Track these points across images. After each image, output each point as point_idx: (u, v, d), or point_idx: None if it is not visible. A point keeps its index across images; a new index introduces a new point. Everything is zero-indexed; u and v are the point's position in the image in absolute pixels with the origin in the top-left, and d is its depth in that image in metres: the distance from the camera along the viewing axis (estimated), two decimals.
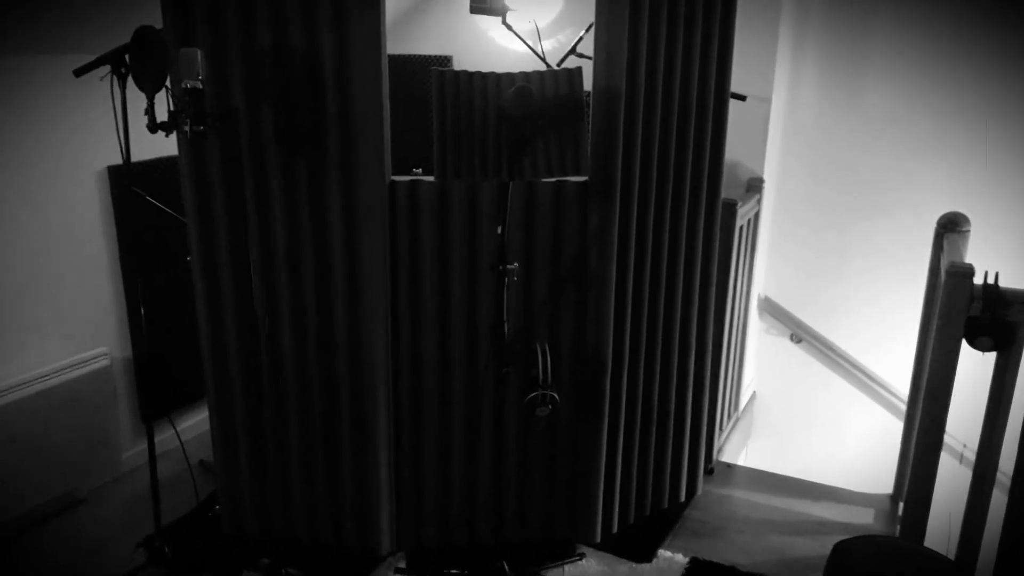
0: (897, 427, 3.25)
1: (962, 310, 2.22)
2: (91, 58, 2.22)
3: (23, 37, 2.68)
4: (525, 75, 2.26)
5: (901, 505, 2.97)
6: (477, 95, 2.20)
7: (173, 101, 2.18)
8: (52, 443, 2.83)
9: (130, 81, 2.19)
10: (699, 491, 3.04)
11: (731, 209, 2.98)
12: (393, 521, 2.62)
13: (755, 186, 3.57)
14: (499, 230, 2.18)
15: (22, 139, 2.72)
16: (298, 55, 2.22)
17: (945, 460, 2.43)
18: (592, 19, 2.30)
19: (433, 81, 2.30)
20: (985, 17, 3.42)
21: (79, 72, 2.23)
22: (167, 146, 2.34)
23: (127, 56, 2.18)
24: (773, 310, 4.06)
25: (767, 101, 3.50)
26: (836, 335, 3.99)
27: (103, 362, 2.98)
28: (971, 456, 2.40)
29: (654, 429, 2.77)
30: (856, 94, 3.69)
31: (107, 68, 2.19)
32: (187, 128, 2.09)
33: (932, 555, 2.06)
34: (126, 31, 2.16)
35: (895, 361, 3.76)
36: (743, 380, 3.75)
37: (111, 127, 2.23)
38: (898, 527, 2.86)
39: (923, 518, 2.47)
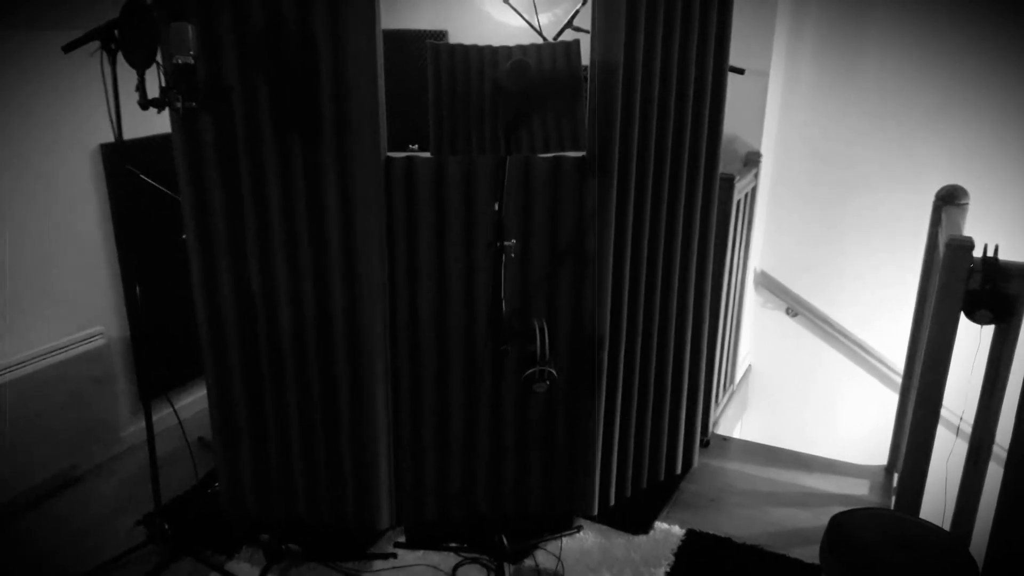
0: (892, 399, 3.27)
1: (961, 283, 2.22)
2: (80, 33, 2.18)
3: (9, 13, 2.63)
4: (522, 49, 2.24)
5: (896, 477, 3.00)
6: (473, 69, 2.17)
7: (164, 77, 2.15)
8: (50, 422, 2.82)
9: (120, 57, 2.16)
10: (695, 464, 3.06)
11: (729, 183, 2.97)
12: (392, 496, 2.63)
13: (753, 160, 3.55)
14: (496, 206, 2.16)
15: (12, 118, 2.68)
16: (292, 29, 2.19)
17: (941, 432, 2.44)
18: None
19: (428, 55, 2.27)
20: None
21: (68, 48, 2.19)
22: (161, 123, 2.31)
23: (117, 31, 2.14)
24: (769, 284, 4.07)
25: (765, 75, 3.48)
26: (832, 308, 4.00)
27: (100, 341, 2.98)
28: (967, 429, 2.41)
29: (651, 403, 2.78)
30: (854, 67, 3.67)
31: (96, 44, 2.15)
32: (179, 104, 2.07)
33: (929, 527, 2.08)
34: (115, 5, 2.12)
35: (891, 334, 3.77)
36: (739, 353, 3.76)
37: (102, 104, 2.20)
38: (893, 499, 2.88)
39: (919, 490, 2.49)
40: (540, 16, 3.54)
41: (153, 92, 2.11)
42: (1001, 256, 2.20)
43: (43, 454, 2.83)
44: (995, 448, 2.37)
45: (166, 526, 2.57)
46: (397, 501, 2.65)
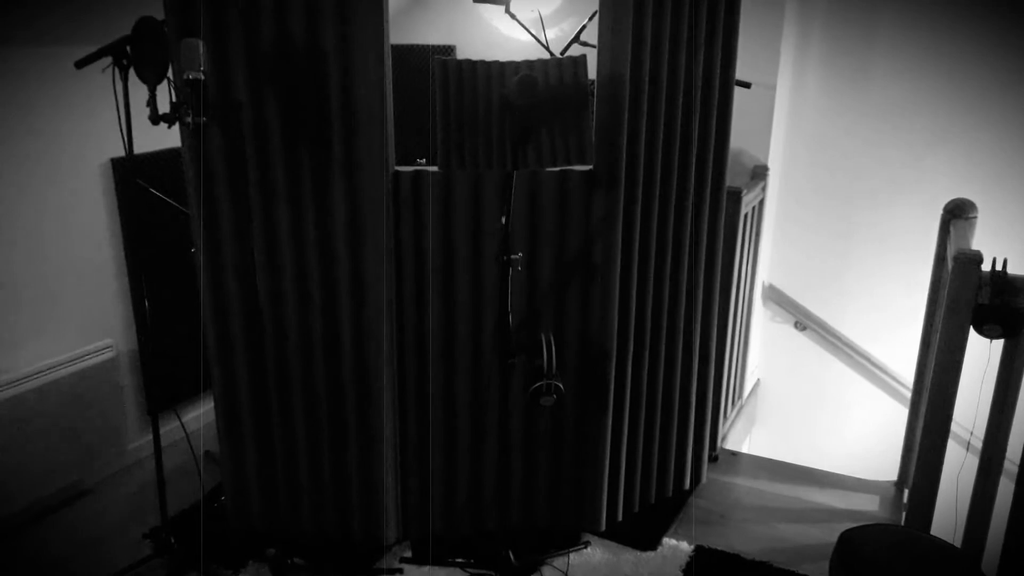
0: (901, 414, 3.25)
1: (970, 297, 2.21)
2: (92, 49, 2.20)
3: (24, 29, 2.66)
4: (529, 64, 2.25)
5: (907, 492, 2.97)
6: (481, 84, 2.18)
7: (175, 92, 2.17)
8: (58, 435, 2.83)
9: (132, 73, 2.18)
10: (703, 479, 3.04)
11: (736, 197, 2.97)
12: (398, 511, 2.63)
13: (760, 173, 3.55)
14: (503, 220, 2.17)
15: (25, 132, 2.71)
16: (301, 45, 2.21)
17: (951, 447, 2.42)
18: (596, 7, 2.28)
19: (436, 71, 2.28)
20: (991, 3, 3.39)
21: (80, 64, 2.22)
22: (171, 137, 2.33)
23: (128, 47, 2.16)
24: (777, 298, 4.06)
25: (772, 88, 3.48)
26: (840, 322, 3.99)
27: (108, 354, 2.99)
28: (978, 444, 2.39)
29: (658, 417, 2.77)
30: (861, 80, 3.67)
31: (108, 60, 2.18)
32: (189, 120, 2.08)
33: (939, 543, 2.06)
34: (127, 22, 2.15)
35: (900, 348, 3.75)
36: (747, 368, 3.75)
37: (114, 119, 2.22)
38: (904, 514, 2.86)
39: (929, 506, 2.47)
40: (547, 31, 3.57)
41: (164, 107, 2.13)
42: (1010, 270, 2.19)
43: (51, 466, 2.83)
44: (1006, 463, 2.36)
45: (172, 540, 2.57)
46: (403, 516, 2.65)
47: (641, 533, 2.73)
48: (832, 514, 2.92)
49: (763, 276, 3.95)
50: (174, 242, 3.02)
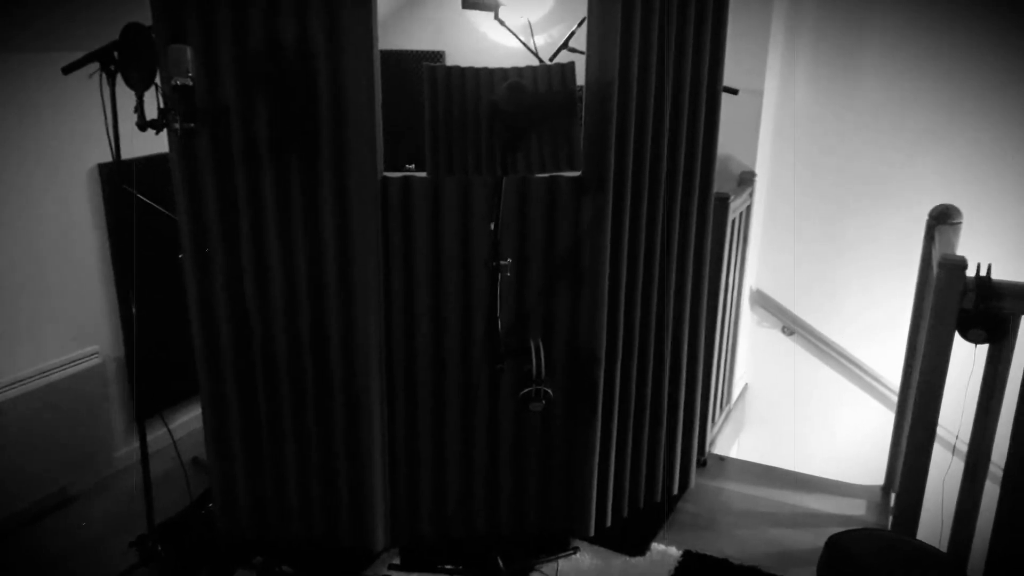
0: (888, 419, 3.27)
1: (955, 302, 2.23)
2: (79, 55, 2.20)
3: (9, 34, 2.65)
4: (518, 70, 2.26)
5: (893, 496, 2.99)
6: (470, 91, 2.19)
7: (163, 98, 2.16)
8: (44, 442, 2.81)
9: (120, 79, 2.17)
10: (692, 484, 3.05)
11: (723, 203, 2.98)
12: (387, 517, 2.62)
13: (747, 180, 3.57)
14: (492, 226, 2.17)
15: (11, 138, 2.69)
16: (289, 51, 2.21)
17: (937, 451, 2.44)
18: (584, 14, 2.29)
19: (425, 77, 2.29)
20: (978, 10, 3.43)
21: (67, 69, 2.21)
22: (160, 143, 2.32)
23: (116, 53, 2.16)
24: (765, 303, 4.08)
25: (759, 95, 3.51)
26: (827, 327, 4.01)
27: (95, 360, 2.97)
28: (963, 448, 2.41)
29: (647, 422, 2.78)
30: (848, 87, 3.70)
31: (96, 65, 2.17)
32: (177, 125, 2.07)
33: (925, 547, 2.07)
34: (115, 28, 2.14)
35: (887, 353, 3.78)
36: (735, 372, 3.77)
37: (101, 124, 2.21)
38: (890, 518, 2.88)
39: (916, 510, 2.49)
40: (536, 38, 3.58)
41: (152, 113, 2.12)
42: (994, 275, 2.21)
43: (37, 473, 2.81)
44: (991, 467, 2.37)
45: (159, 548, 2.55)
46: (392, 522, 2.64)
47: (630, 538, 2.73)
48: (819, 518, 2.94)
49: (750, 281, 3.97)
50: (162, 247, 3.00)
